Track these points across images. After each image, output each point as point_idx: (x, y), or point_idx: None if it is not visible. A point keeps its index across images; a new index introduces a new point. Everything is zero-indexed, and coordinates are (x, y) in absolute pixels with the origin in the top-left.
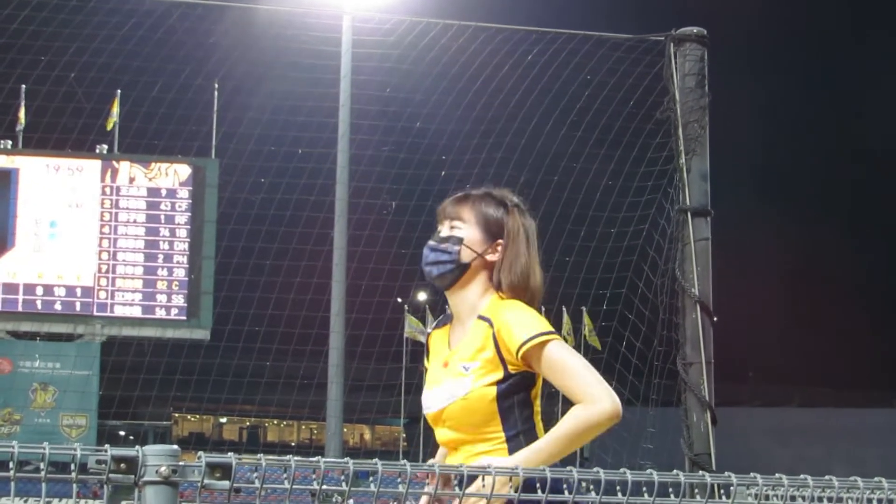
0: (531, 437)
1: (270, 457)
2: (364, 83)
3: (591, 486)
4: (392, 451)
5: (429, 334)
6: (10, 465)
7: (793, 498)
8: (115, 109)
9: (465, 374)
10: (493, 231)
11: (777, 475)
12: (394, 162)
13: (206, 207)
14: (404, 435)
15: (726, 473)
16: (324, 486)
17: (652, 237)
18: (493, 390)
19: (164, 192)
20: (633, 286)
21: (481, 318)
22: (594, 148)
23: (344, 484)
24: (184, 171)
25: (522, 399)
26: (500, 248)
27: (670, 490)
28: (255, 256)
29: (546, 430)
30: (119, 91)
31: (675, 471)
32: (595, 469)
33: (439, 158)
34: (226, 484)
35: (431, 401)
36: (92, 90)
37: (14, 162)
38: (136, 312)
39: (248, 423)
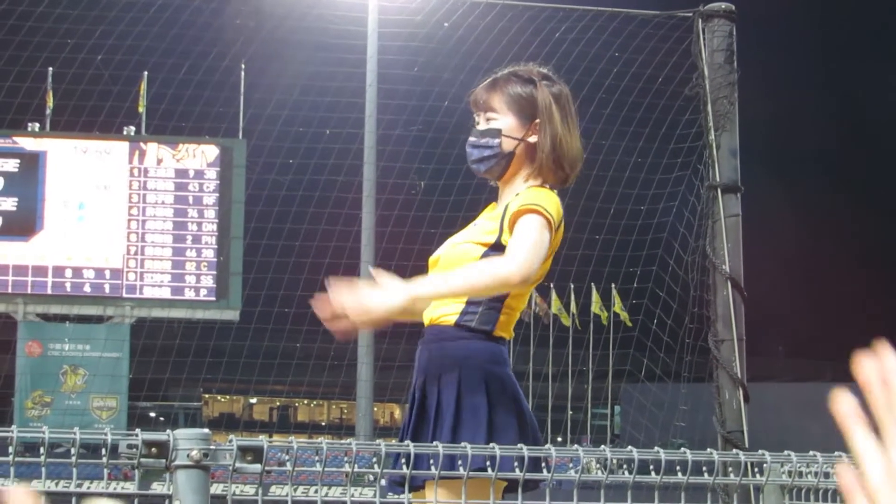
0: (494, 314)
1: (302, 439)
2: (391, 62)
3: (625, 465)
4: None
5: None
6: (41, 449)
7: (826, 474)
8: (143, 91)
9: (471, 227)
10: (528, 112)
11: (811, 452)
12: (422, 141)
13: (233, 188)
14: None
15: (760, 452)
16: (356, 469)
17: (682, 214)
18: (480, 250)
19: (191, 174)
20: (663, 263)
21: (517, 195)
22: (623, 125)
23: (376, 465)
24: (211, 151)
25: None
26: (538, 128)
27: (704, 468)
28: (283, 237)
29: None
30: (146, 73)
31: (708, 449)
32: (628, 448)
33: (468, 137)
34: (257, 467)
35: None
36: (119, 72)
37: (42, 144)
38: (165, 294)
39: (278, 404)
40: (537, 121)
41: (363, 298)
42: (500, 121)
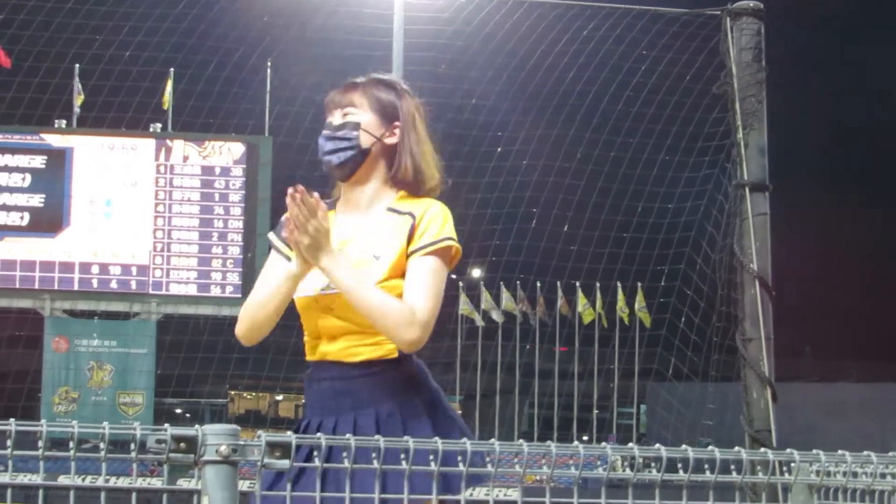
0: None
1: (330, 436)
2: (418, 60)
3: (653, 464)
4: None
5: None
6: (70, 444)
7: (854, 474)
8: (169, 88)
9: (376, 261)
10: (388, 114)
11: (840, 452)
12: (448, 139)
13: (259, 185)
14: (460, 412)
15: (788, 450)
16: (384, 466)
17: (710, 212)
18: (402, 284)
19: (218, 171)
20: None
21: (395, 210)
22: (651, 123)
23: (404, 462)
24: (237, 149)
25: None
26: (397, 131)
27: (732, 467)
28: None
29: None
30: (172, 70)
31: (736, 448)
32: (656, 446)
33: (494, 135)
34: (286, 463)
35: (318, 284)
36: (146, 69)
37: (69, 141)
38: (192, 290)
39: (303, 401)
40: (398, 123)
41: (306, 223)
42: (359, 115)
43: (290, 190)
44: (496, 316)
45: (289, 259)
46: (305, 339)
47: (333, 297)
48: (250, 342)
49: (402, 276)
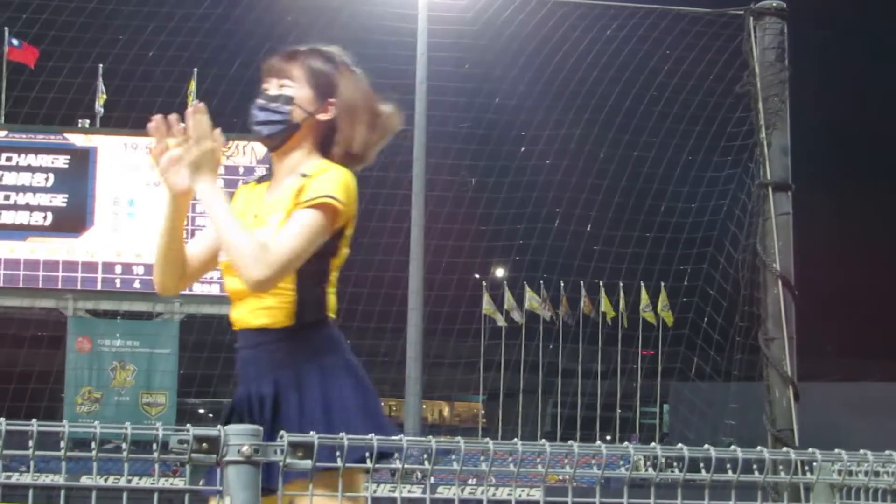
0: (322, 303)
1: (352, 436)
2: (442, 60)
3: (675, 463)
4: (471, 428)
5: (239, 186)
6: (92, 445)
7: (877, 473)
8: (192, 88)
9: (268, 224)
10: (323, 90)
11: (861, 451)
12: (473, 138)
13: None
14: (483, 411)
15: (810, 450)
16: (406, 465)
17: (732, 212)
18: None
19: (241, 170)
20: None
21: (303, 175)
22: (674, 123)
23: (427, 462)
24: (261, 148)
25: (318, 262)
26: (331, 108)
27: (754, 466)
28: None
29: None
30: (195, 69)
31: (758, 447)
32: (678, 445)
33: (518, 134)
34: (308, 463)
35: None
36: (169, 69)
37: (92, 141)
38: (215, 290)
39: None
40: (332, 100)
41: (199, 140)
42: (293, 89)
43: (192, 104)
44: (517, 316)
45: None
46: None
47: None
48: (165, 290)
49: None
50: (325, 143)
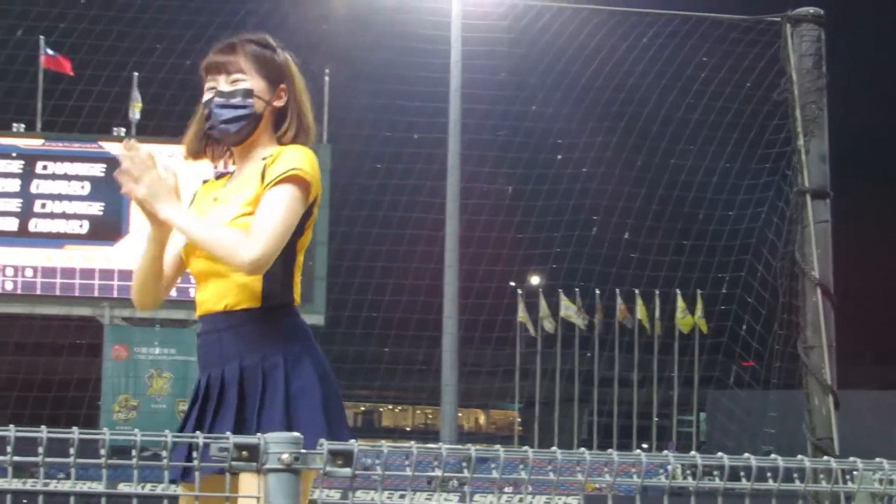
0: (289, 286)
1: (392, 444)
2: (478, 68)
3: (715, 472)
4: (508, 436)
5: (199, 187)
6: (133, 452)
7: None
8: None
9: (230, 203)
10: (273, 77)
11: None
12: (510, 146)
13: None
14: (519, 419)
15: (851, 459)
16: (445, 473)
17: (771, 220)
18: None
19: None
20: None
21: (263, 159)
22: (711, 130)
23: (465, 470)
24: None
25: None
26: (283, 94)
27: (795, 475)
28: (371, 242)
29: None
30: None
31: (799, 456)
32: (719, 454)
33: (555, 142)
34: (348, 471)
35: None
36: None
37: None
38: None
39: (362, 409)
40: (283, 85)
41: (142, 173)
42: (249, 82)
43: (122, 143)
44: (548, 325)
45: None
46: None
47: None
48: (143, 307)
49: (251, 213)
50: (277, 128)
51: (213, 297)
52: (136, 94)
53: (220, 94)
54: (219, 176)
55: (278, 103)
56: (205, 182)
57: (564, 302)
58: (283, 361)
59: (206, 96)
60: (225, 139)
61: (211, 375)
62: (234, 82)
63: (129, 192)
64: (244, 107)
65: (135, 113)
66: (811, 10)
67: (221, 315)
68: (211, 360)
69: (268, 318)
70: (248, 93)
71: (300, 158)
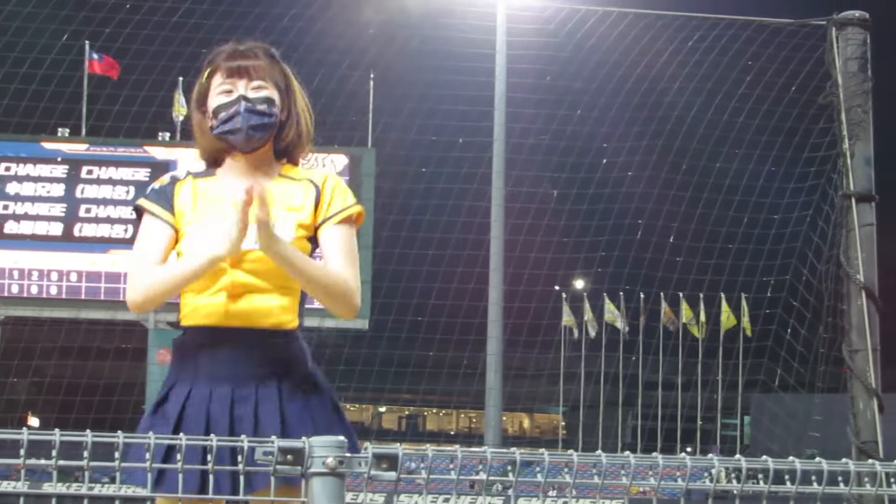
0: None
1: (437, 447)
2: (524, 72)
3: (760, 475)
4: (551, 440)
5: (176, 182)
6: (178, 456)
7: None
8: None
9: (287, 221)
10: (282, 85)
11: None
12: (554, 150)
13: (363, 197)
14: (563, 423)
15: None
16: (490, 477)
17: (815, 223)
18: (310, 245)
19: None
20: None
21: (289, 177)
22: (756, 134)
23: (510, 474)
24: (340, 160)
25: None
26: (291, 102)
27: (839, 479)
28: (416, 246)
29: None
30: None
31: (844, 459)
32: (763, 458)
33: (600, 146)
34: (392, 475)
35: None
36: None
37: (172, 153)
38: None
39: (406, 413)
40: (291, 98)
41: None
42: (270, 91)
43: (248, 188)
44: (591, 329)
45: (168, 224)
46: (197, 300)
47: (249, 251)
48: (142, 311)
49: (308, 239)
50: (288, 141)
51: (255, 313)
52: (181, 99)
53: (247, 99)
54: (198, 175)
55: (283, 115)
56: (177, 180)
57: (608, 306)
58: (303, 384)
59: (227, 98)
60: (245, 145)
61: (213, 391)
62: (257, 89)
63: (263, 215)
64: (270, 115)
65: (179, 117)
66: (856, 13)
67: (261, 332)
68: (222, 374)
69: (298, 339)
70: (272, 102)
71: (350, 192)
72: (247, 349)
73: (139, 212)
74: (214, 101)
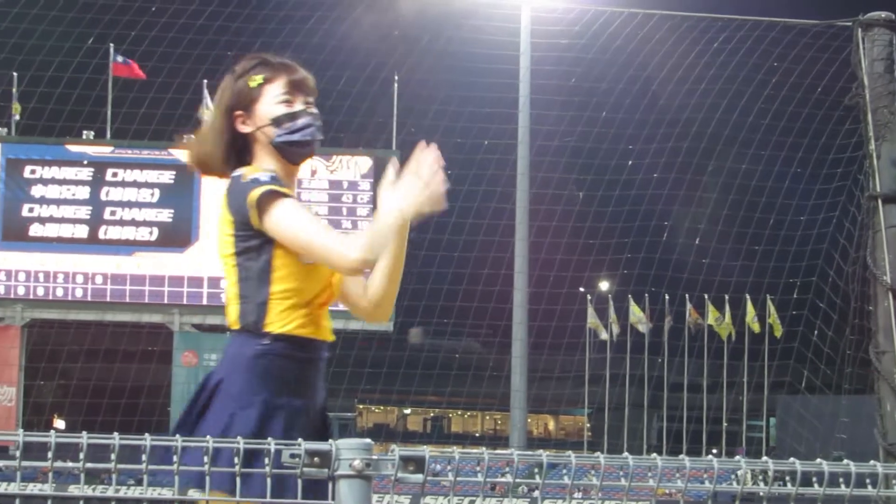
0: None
1: (463, 450)
2: (548, 73)
3: (787, 477)
4: (577, 442)
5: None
6: (205, 459)
7: None
8: None
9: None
10: None
11: None
12: (579, 152)
13: None
14: (588, 425)
15: None
16: (517, 479)
17: (842, 224)
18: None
19: (345, 185)
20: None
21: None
22: (782, 135)
23: (537, 476)
24: (365, 163)
25: None
26: None
27: (867, 480)
28: (441, 248)
29: None
30: None
31: (871, 461)
32: (791, 459)
33: (625, 148)
34: (419, 477)
35: None
36: None
37: None
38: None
39: (432, 414)
40: None
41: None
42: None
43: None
44: (614, 330)
45: None
46: (299, 308)
47: None
48: (369, 267)
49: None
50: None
51: (328, 325)
52: (207, 101)
53: (314, 115)
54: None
55: None
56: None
57: (632, 308)
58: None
59: (288, 109)
60: (302, 153)
61: (317, 403)
62: (310, 104)
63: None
64: (321, 129)
65: (203, 117)
66: (883, 14)
67: (327, 345)
68: (315, 386)
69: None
70: (320, 118)
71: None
72: (321, 361)
73: (264, 201)
74: (273, 109)
